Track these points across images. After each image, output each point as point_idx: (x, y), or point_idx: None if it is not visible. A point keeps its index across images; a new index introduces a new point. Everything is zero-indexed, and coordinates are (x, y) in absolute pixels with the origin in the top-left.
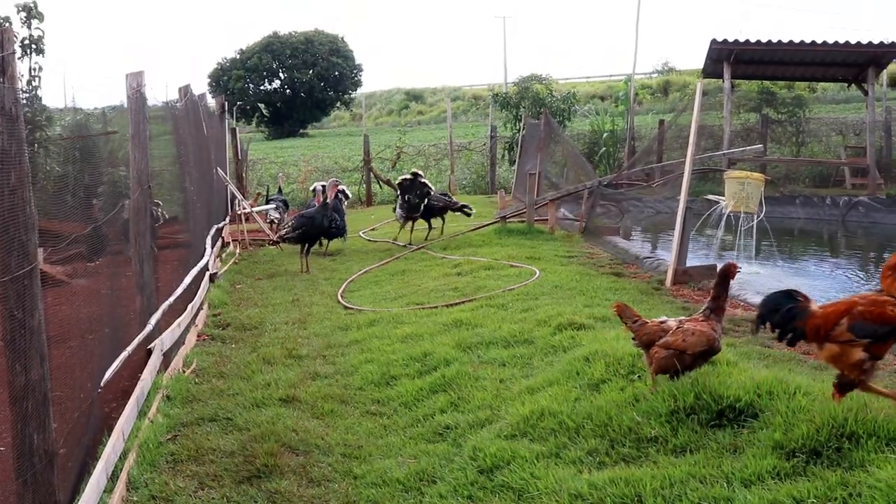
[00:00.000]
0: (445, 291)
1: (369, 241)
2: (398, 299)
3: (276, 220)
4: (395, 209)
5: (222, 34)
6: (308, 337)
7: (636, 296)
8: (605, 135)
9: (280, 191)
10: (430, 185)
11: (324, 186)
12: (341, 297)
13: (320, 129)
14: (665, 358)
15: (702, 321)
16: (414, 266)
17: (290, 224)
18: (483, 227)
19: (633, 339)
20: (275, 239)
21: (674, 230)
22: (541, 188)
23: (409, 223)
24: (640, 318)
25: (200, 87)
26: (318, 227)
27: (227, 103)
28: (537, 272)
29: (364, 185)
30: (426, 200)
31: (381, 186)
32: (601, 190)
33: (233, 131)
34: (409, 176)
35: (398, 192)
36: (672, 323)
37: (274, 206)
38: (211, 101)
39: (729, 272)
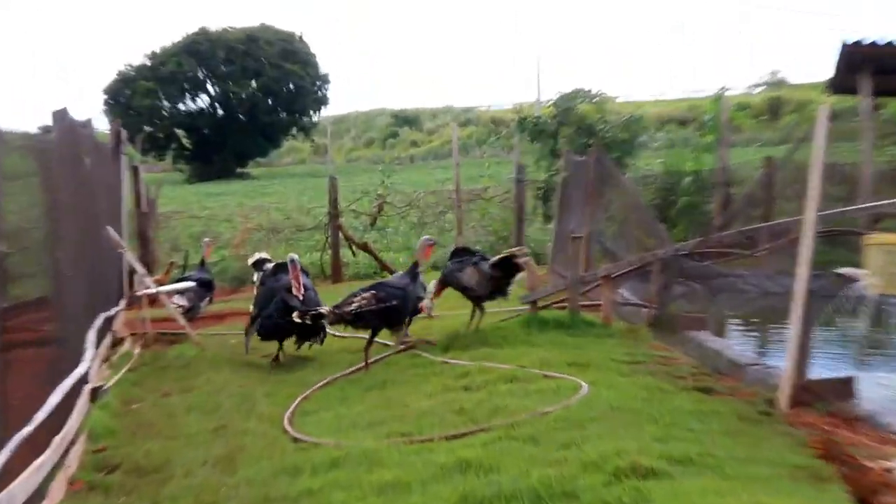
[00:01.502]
0: (446, 415)
1: (335, 335)
2: (375, 427)
3: (185, 307)
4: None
5: (126, 32)
6: (237, 486)
7: (734, 424)
8: (686, 179)
9: (203, 264)
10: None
11: (263, 261)
12: (289, 422)
13: (268, 166)
14: None
15: None
16: (400, 375)
17: (367, 294)
18: (505, 315)
19: (848, 491)
20: (331, 312)
21: (789, 322)
22: (591, 259)
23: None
24: (857, 459)
25: (91, 106)
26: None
27: (123, 131)
28: (584, 386)
29: (329, 252)
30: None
31: (353, 253)
32: (679, 262)
33: (134, 170)
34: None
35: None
36: None
37: (188, 284)
38: (105, 128)
39: None
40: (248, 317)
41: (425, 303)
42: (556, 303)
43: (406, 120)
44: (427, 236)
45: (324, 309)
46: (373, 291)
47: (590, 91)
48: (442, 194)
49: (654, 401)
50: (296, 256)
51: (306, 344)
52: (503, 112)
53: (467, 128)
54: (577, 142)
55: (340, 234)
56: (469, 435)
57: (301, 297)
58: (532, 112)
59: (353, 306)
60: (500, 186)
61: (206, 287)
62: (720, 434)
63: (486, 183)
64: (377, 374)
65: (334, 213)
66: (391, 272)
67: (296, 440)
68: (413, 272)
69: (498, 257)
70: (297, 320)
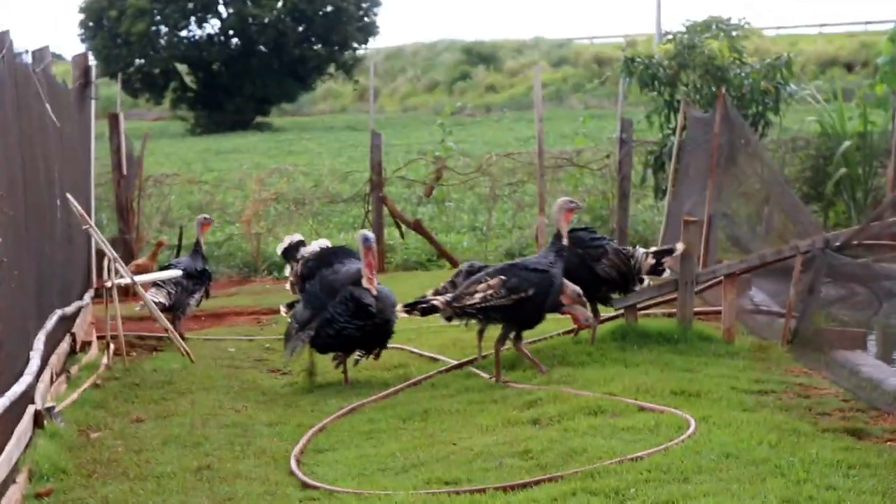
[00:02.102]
0: (504, 458)
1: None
2: (410, 472)
3: (163, 305)
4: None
5: None
6: None
7: (892, 481)
8: (846, 142)
9: (197, 247)
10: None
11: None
12: (298, 462)
13: (297, 115)
14: None
15: None
16: (448, 402)
17: (494, 280)
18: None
19: None
20: (447, 305)
21: None
22: (712, 250)
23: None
24: None
25: (64, 34)
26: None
27: (93, 65)
28: (692, 423)
29: (370, 229)
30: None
31: (402, 235)
32: (831, 257)
33: (113, 120)
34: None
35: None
36: None
37: (172, 273)
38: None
39: None
40: (289, 320)
41: (579, 310)
42: (661, 306)
43: (481, 56)
44: (567, 198)
45: (438, 300)
46: (502, 277)
47: (728, 20)
48: (522, 158)
49: (785, 446)
50: (370, 235)
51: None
52: (611, 48)
53: (561, 69)
54: (704, 91)
55: (385, 209)
56: (534, 485)
57: (375, 293)
58: (648, 49)
59: (478, 297)
60: (599, 148)
61: (197, 278)
62: (871, 495)
63: (579, 143)
64: (417, 401)
65: (377, 181)
66: (451, 260)
67: (305, 486)
68: (558, 248)
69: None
70: (404, 314)
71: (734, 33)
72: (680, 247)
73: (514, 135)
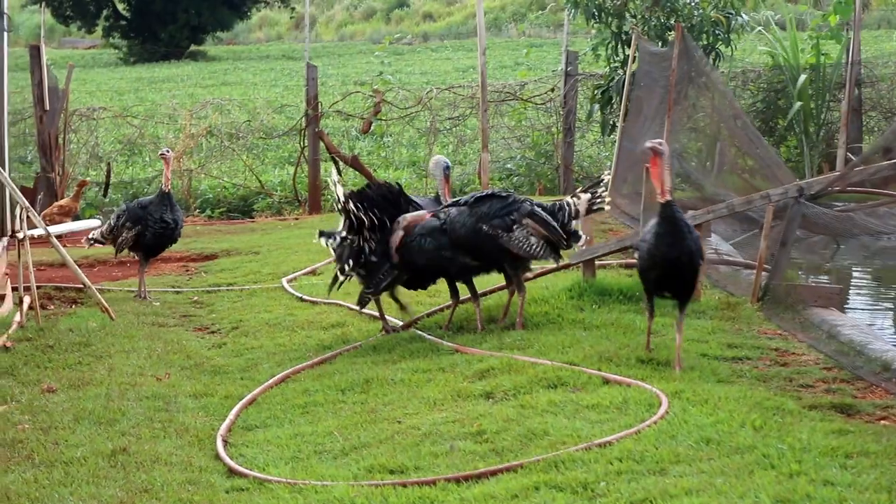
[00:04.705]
0: (456, 441)
1: (301, 298)
2: (350, 455)
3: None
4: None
5: None
6: None
7: (890, 471)
8: (801, 77)
9: (165, 197)
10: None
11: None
12: (224, 444)
13: (232, 44)
14: None
15: None
16: (391, 370)
17: None
18: (544, 274)
19: None
20: None
21: None
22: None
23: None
24: None
25: None
26: None
27: None
28: (664, 400)
29: (306, 168)
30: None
31: (339, 172)
32: (804, 207)
33: (34, 52)
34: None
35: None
36: None
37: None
38: None
39: None
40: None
41: None
42: (621, 257)
43: None
44: (440, 157)
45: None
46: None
47: None
48: (463, 91)
49: (771, 429)
50: (448, 161)
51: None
52: None
53: None
54: (652, 23)
55: (321, 144)
56: (490, 476)
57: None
58: None
59: None
60: (543, 81)
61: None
62: (875, 491)
63: (522, 76)
64: (357, 368)
65: (313, 116)
66: None
67: (231, 473)
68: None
69: (587, 199)
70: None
71: None
72: (608, 175)
73: (453, 64)
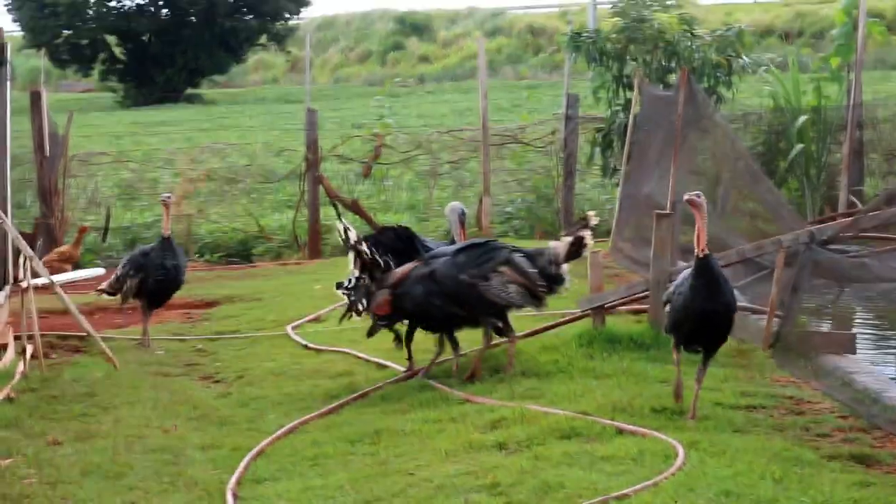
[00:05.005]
0: (470, 494)
1: (306, 346)
2: None
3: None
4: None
5: None
6: None
7: None
8: (802, 118)
9: (166, 242)
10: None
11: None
12: (235, 498)
13: (228, 86)
14: None
15: None
16: (401, 420)
17: None
18: (553, 326)
19: None
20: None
21: None
22: (676, 238)
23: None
24: None
25: None
26: None
27: (6, 46)
28: (680, 451)
29: (307, 212)
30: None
31: (338, 215)
32: (816, 253)
33: (34, 98)
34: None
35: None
36: None
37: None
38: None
39: None
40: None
41: None
42: (631, 305)
43: (414, 27)
44: (456, 203)
45: None
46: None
47: None
48: (463, 134)
49: (791, 481)
50: (464, 208)
51: None
52: (545, 17)
53: (496, 39)
54: (653, 66)
55: (321, 189)
56: None
57: None
58: (583, 19)
59: None
60: (543, 124)
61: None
62: None
63: (524, 119)
64: (366, 419)
65: (313, 160)
66: None
67: None
68: None
69: (568, 242)
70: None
71: (668, 1)
72: (592, 215)
73: (450, 107)
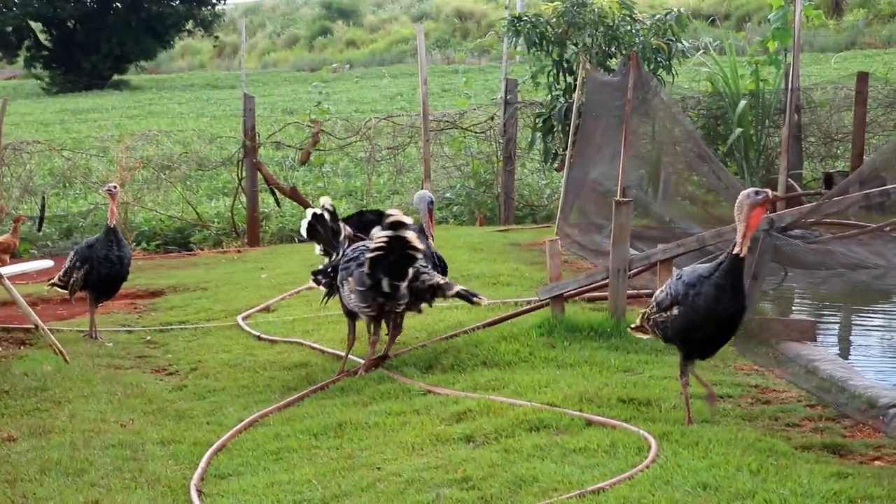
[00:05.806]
0: (440, 487)
1: (259, 337)
2: None
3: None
4: (328, 274)
5: None
6: None
7: None
8: (742, 102)
9: (111, 233)
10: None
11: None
12: (199, 494)
13: (155, 72)
14: None
15: None
16: (364, 413)
17: None
18: (513, 316)
19: None
20: None
21: None
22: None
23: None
24: None
25: None
26: None
27: None
28: (653, 443)
29: (245, 199)
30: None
31: (277, 203)
32: (775, 240)
33: None
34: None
35: (341, 242)
36: None
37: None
38: None
39: None
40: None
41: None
42: (589, 294)
43: (340, 11)
44: (424, 192)
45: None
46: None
47: None
48: (401, 120)
49: (769, 472)
50: (430, 195)
51: None
52: (472, 2)
53: (422, 23)
54: (594, 51)
55: (259, 175)
56: None
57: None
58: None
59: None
60: (482, 110)
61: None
62: None
63: (462, 104)
64: (327, 411)
65: (251, 147)
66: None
67: None
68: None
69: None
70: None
71: None
72: (395, 212)
73: (380, 92)
